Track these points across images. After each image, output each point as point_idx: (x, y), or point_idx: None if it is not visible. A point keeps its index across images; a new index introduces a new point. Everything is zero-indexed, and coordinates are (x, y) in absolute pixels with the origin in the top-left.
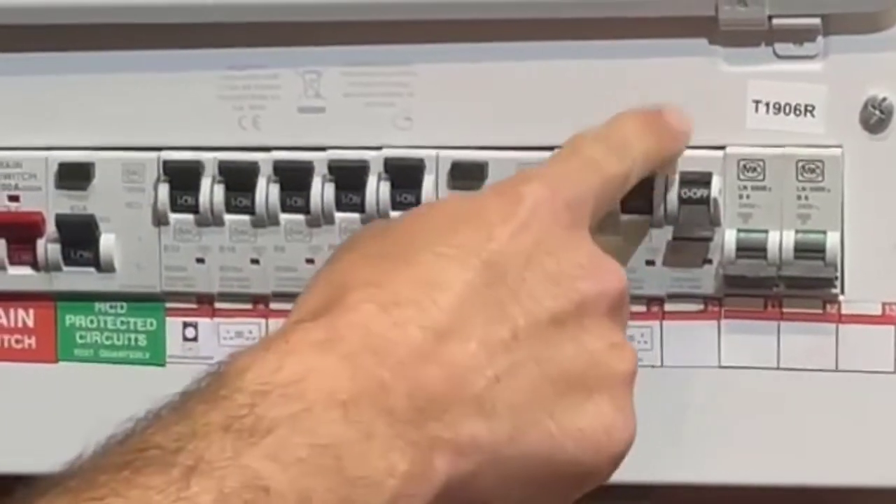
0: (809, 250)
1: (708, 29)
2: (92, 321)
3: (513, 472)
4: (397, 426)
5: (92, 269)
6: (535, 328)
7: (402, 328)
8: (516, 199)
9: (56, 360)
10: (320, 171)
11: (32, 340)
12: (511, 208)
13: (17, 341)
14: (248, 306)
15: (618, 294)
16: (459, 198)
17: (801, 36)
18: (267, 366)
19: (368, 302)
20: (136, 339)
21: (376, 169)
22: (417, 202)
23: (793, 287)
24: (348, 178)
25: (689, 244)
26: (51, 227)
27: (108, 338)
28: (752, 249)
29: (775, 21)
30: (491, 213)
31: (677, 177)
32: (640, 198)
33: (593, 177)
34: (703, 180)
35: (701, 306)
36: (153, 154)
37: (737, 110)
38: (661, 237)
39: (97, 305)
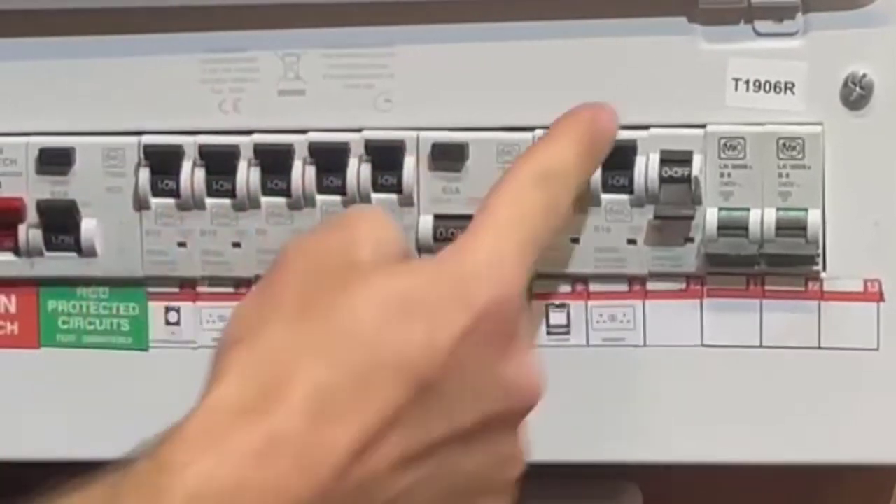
0: (791, 228)
1: (687, 7)
2: (74, 306)
3: None
4: None
5: (73, 255)
6: (446, 445)
7: (331, 443)
8: (466, 310)
9: (39, 346)
10: (301, 153)
11: (15, 326)
12: (459, 318)
13: None
14: (230, 290)
15: (529, 409)
16: (411, 281)
17: (780, 13)
18: (204, 468)
19: (308, 407)
20: (119, 324)
21: (357, 151)
22: (398, 183)
23: (775, 265)
24: (329, 161)
25: (671, 223)
26: (32, 213)
27: (90, 323)
28: (733, 227)
29: None
30: (439, 320)
31: (658, 155)
32: (621, 177)
33: (536, 251)
34: (684, 159)
35: (683, 285)
36: (134, 138)
37: (717, 88)
38: (642, 216)
39: (79, 290)
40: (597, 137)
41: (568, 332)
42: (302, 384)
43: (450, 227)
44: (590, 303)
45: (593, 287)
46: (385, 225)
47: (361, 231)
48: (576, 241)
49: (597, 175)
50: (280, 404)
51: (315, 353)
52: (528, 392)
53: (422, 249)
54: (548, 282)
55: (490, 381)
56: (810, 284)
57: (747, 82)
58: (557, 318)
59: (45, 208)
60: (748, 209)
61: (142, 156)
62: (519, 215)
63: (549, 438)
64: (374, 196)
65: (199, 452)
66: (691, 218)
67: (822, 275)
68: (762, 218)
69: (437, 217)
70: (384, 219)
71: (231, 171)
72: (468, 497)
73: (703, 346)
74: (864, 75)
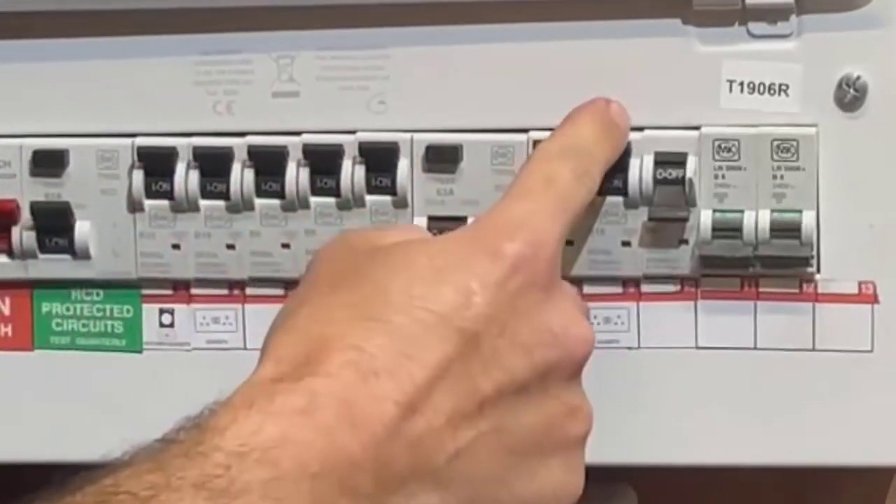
0: (785, 230)
1: (681, 9)
2: (68, 308)
3: None
4: (359, 502)
5: (67, 257)
6: (501, 398)
7: (378, 403)
8: (498, 259)
9: (32, 348)
10: (295, 155)
11: (9, 328)
12: (492, 269)
13: None
14: (225, 292)
15: (583, 359)
16: (438, 245)
17: (774, 15)
18: (248, 426)
19: (348, 368)
20: (113, 326)
21: (351, 153)
22: (392, 185)
23: (769, 267)
24: (323, 163)
25: (665, 225)
26: (25, 215)
27: (84, 325)
28: (727, 230)
29: (749, 0)
30: (471, 272)
31: (652, 157)
32: (615, 179)
33: (568, 214)
34: (679, 161)
35: (677, 287)
36: (127, 140)
37: (711, 90)
38: (636, 218)
39: (73, 293)
40: (611, 122)
41: None
42: (340, 349)
43: (444, 229)
44: None
45: (587, 289)
46: (415, 227)
47: (390, 228)
48: (570, 243)
49: None
50: (320, 367)
51: (350, 320)
52: (577, 340)
53: None
54: None
55: (535, 330)
56: (805, 286)
57: (741, 84)
58: None
59: (38, 210)
60: (742, 211)
61: (136, 158)
62: (549, 179)
63: None
64: (369, 198)
65: (243, 414)
66: (685, 220)
67: (817, 277)
68: (756, 220)
69: (432, 219)
70: (415, 226)
71: (225, 174)
72: (533, 455)
73: (698, 348)
74: (859, 77)
